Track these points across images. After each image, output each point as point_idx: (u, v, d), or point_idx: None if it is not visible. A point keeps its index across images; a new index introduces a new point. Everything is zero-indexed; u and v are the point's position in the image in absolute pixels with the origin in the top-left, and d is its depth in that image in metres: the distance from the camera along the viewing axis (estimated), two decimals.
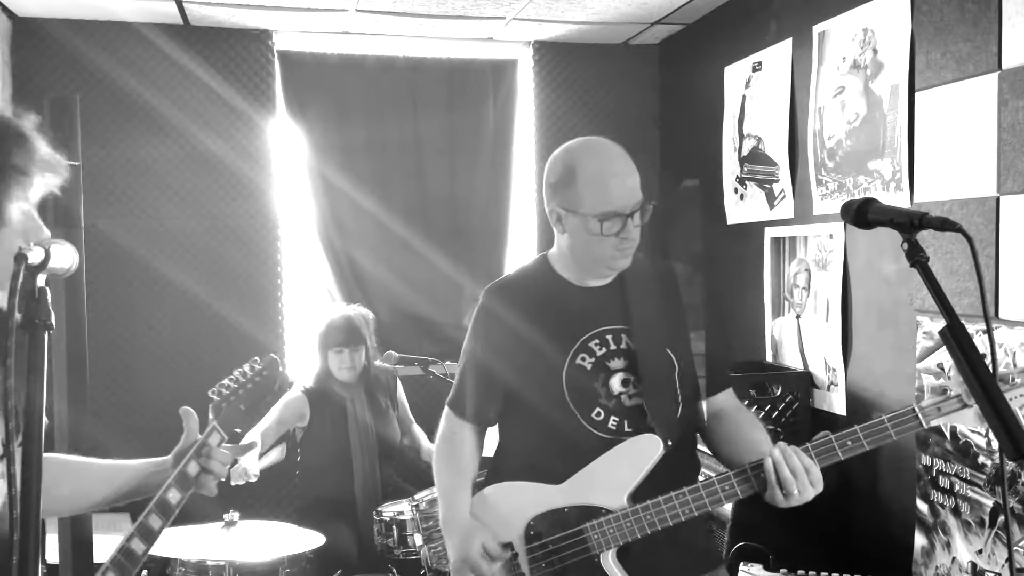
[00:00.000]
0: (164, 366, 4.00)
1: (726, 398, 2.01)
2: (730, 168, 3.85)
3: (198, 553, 2.74)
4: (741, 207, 3.78)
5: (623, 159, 1.86)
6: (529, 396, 1.91)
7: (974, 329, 2.37)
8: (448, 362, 4.19)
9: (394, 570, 3.17)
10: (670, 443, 1.80)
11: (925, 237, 1.58)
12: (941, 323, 1.28)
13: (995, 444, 2.30)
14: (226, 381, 1.73)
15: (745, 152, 3.73)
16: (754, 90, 3.66)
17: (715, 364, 2.02)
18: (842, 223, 3.02)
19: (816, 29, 3.21)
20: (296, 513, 3.48)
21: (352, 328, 3.52)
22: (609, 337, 1.89)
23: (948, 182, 2.62)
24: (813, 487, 1.67)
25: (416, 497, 3.13)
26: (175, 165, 4.02)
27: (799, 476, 1.66)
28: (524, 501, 1.87)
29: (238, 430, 1.67)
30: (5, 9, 3.72)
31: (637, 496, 1.78)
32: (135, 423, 3.85)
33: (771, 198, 3.56)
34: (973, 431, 2.50)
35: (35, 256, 1.09)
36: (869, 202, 1.44)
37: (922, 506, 2.73)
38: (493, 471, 2.01)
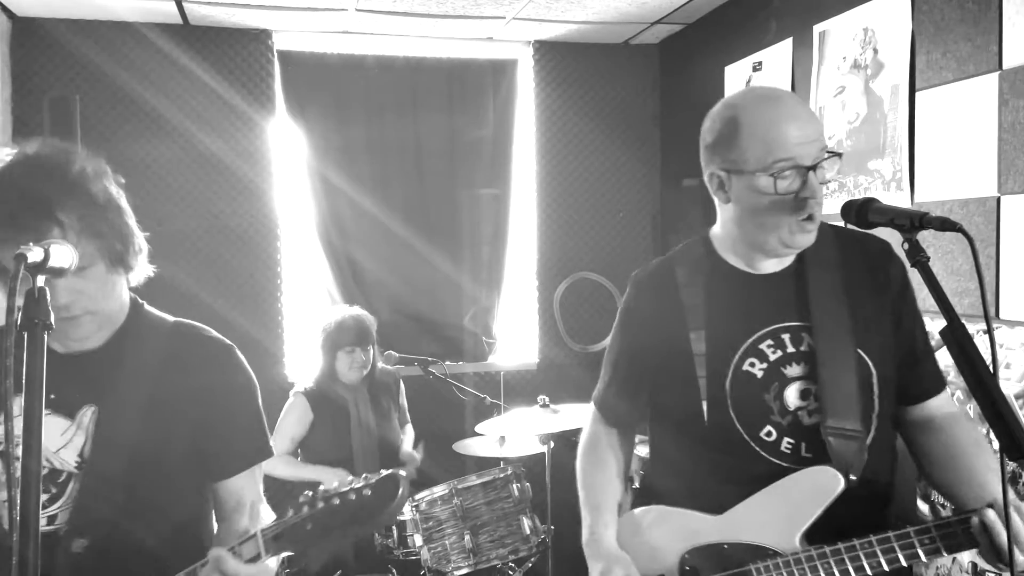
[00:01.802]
0: None
1: (939, 404, 1.61)
2: None
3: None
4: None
5: (798, 103, 1.53)
6: (684, 408, 1.58)
7: (974, 329, 2.37)
8: (448, 362, 4.21)
9: (394, 570, 3.17)
10: (853, 478, 1.47)
11: (925, 237, 1.58)
12: (941, 323, 1.28)
13: (995, 444, 2.30)
14: (316, 492, 1.30)
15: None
16: None
17: (923, 359, 1.61)
18: (843, 223, 3.02)
19: (816, 29, 3.21)
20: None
21: (363, 328, 3.53)
22: (786, 337, 1.55)
23: (948, 182, 2.62)
24: None
25: (416, 498, 3.13)
26: (175, 165, 4.02)
27: None
28: (679, 531, 1.60)
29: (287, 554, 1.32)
30: (5, 9, 3.72)
31: (811, 537, 1.48)
32: None
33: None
34: None
35: (35, 256, 1.09)
36: (870, 202, 1.43)
37: (923, 506, 2.72)
38: (645, 487, 1.77)
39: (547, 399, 3.42)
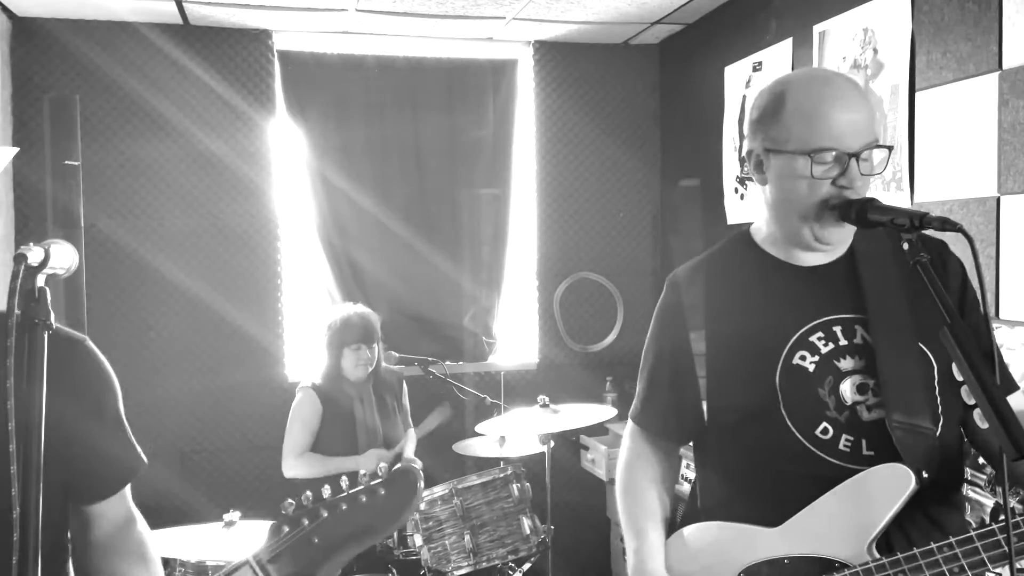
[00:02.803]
0: (163, 366, 3.99)
1: (1014, 402, 1.38)
2: (730, 168, 3.84)
3: (198, 553, 2.74)
4: (741, 207, 3.78)
5: (852, 87, 1.43)
6: (731, 408, 1.50)
7: None
8: (448, 362, 4.21)
9: (394, 570, 3.17)
10: (925, 475, 1.34)
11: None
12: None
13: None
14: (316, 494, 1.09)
15: (745, 152, 3.73)
16: (754, 90, 3.66)
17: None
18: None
19: (816, 29, 3.21)
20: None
21: (369, 326, 3.53)
22: (837, 329, 1.46)
23: (948, 182, 2.62)
24: None
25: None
26: (175, 165, 4.02)
27: None
28: (734, 548, 1.45)
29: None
30: (5, 9, 3.72)
31: (881, 546, 1.36)
32: (134, 423, 3.84)
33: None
34: None
35: (35, 256, 1.09)
36: (869, 202, 1.41)
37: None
38: (691, 505, 1.63)
39: (547, 399, 3.42)
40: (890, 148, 1.43)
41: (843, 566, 1.36)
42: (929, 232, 1.32)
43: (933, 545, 1.31)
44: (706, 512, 1.56)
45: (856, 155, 1.39)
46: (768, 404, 1.45)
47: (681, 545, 1.54)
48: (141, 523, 1.45)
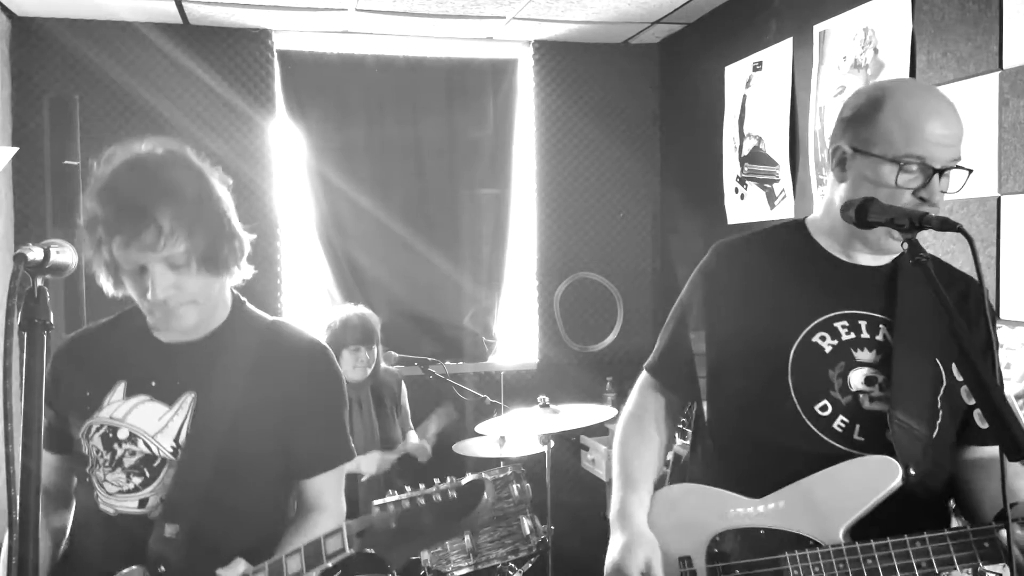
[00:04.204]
0: None
1: (995, 453, 1.43)
2: (730, 168, 3.84)
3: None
4: (742, 207, 3.78)
5: (949, 105, 1.45)
6: (743, 371, 1.54)
7: None
8: (448, 362, 4.21)
9: (394, 570, 3.17)
10: (912, 472, 1.38)
11: (925, 237, 1.58)
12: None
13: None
14: (402, 494, 1.27)
15: (746, 152, 3.73)
16: (754, 90, 3.66)
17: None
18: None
19: (817, 28, 3.21)
20: None
21: (369, 327, 3.53)
22: (863, 323, 1.50)
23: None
24: None
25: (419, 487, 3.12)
26: None
27: None
28: (714, 511, 1.50)
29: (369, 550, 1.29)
30: (5, 9, 3.72)
31: (856, 532, 1.39)
32: None
33: (772, 198, 3.56)
34: None
35: (35, 256, 1.09)
36: (870, 201, 1.42)
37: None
38: (681, 466, 1.72)
39: (547, 399, 3.42)
40: (970, 171, 1.43)
41: (815, 544, 1.39)
42: (930, 233, 1.32)
43: (906, 537, 1.32)
44: (693, 475, 1.62)
45: (941, 171, 1.40)
46: (777, 372, 1.49)
47: (664, 501, 1.59)
48: (336, 514, 1.65)
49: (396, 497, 1.26)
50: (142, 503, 1.54)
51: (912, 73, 2.74)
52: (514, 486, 3.14)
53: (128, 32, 3.91)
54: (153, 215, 1.42)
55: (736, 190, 3.81)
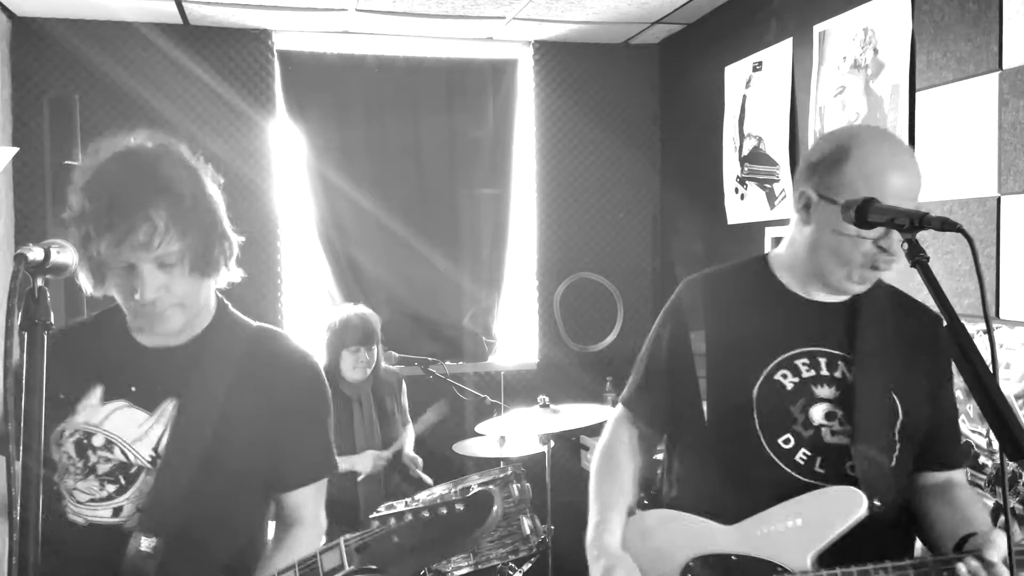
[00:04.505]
0: None
1: (949, 476, 1.62)
2: (730, 168, 3.84)
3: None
4: (742, 207, 3.78)
5: (910, 157, 1.52)
6: (710, 406, 1.60)
7: (974, 329, 2.37)
8: (448, 362, 4.21)
9: None
10: (877, 504, 1.46)
11: (925, 237, 1.58)
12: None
13: (995, 444, 2.30)
14: (403, 505, 1.27)
15: (746, 152, 3.73)
16: (754, 90, 3.66)
17: (944, 431, 1.62)
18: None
19: (816, 29, 3.21)
20: None
21: (369, 327, 3.53)
22: (822, 360, 1.57)
23: (949, 182, 2.62)
24: None
25: (416, 498, 3.13)
26: None
27: None
28: (687, 537, 1.57)
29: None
30: (5, 9, 3.72)
31: (824, 560, 1.45)
32: None
33: (772, 198, 3.56)
34: (974, 431, 2.50)
35: (35, 256, 1.09)
36: (869, 202, 1.42)
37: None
38: (656, 491, 1.77)
39: (547, 399, 3.42)
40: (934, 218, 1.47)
41: (784, 571, 1.45)
42: (930, 233, 1.32)
43: (870, 566, 1.40)
44: (669, 501, 1.68)
45: None
46: (742, 410, 1.55)
47: (639, 526, 1.64)
48: (315, 527, 1.61)
49: (398, 510, 1.20)
50: (116, 511, 1.48)
51: (912, 73, 2.74)
52: (514, 486, 3.14)
53: (128, 32, 3.91)
54: (147, 212, 1.38)
55: (736, 190, 3.81)
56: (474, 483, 3.16)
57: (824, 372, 1.56)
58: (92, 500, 1.48)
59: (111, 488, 1.48)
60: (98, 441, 1.49)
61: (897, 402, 1.55)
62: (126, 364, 1.53)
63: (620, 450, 1.75)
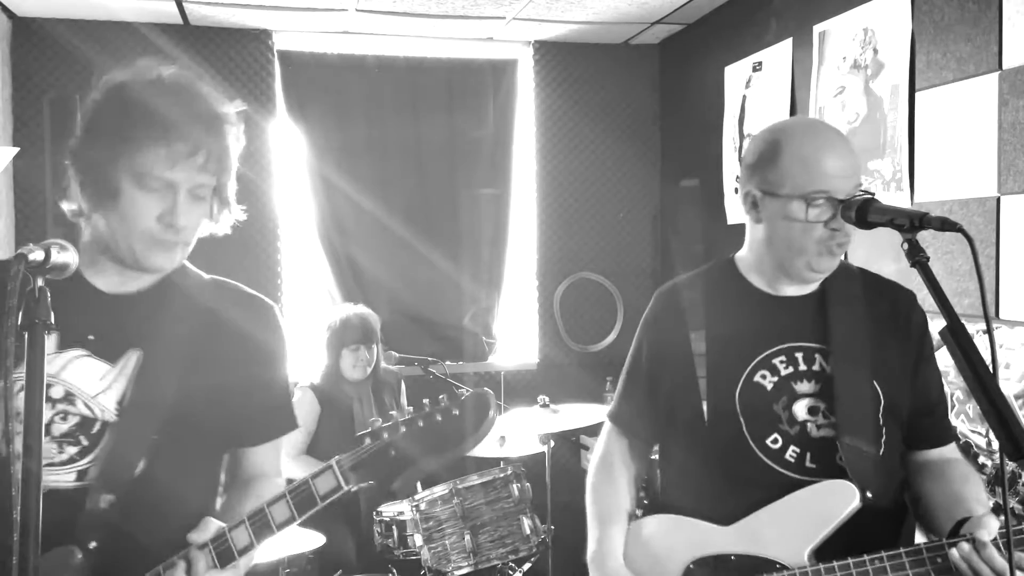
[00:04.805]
0: None
1: (941, 452, 1.64)
2: (730, 168, 3.84)
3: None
4: (742, 207, 3.77)
5: (841, 138, 1.56)
6: (694, 414, 1.61)
7: (974, 329, 2.37)
8: (448, 362, 4.20)
9: (394, 570, 3.17)
10: (869, 495, 1.47)
11: (925, 237, 1.58)
12: (941, 323, 1.28)
13: (995, 444, 2.30)
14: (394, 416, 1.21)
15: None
16: (754, 90, 3.66)
17: (930, 408, 1.62)
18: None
19: (816, 29, 3.21)
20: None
21: (368, 326, 3.54)
22: (799, 355, 1.59)
23: (948, 182, 2.62)
24: None
25: (416, 497, 3.13)
26: None
27: None
28: (684, 540, 1.58)
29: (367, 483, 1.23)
30: (5, 9, 3.72)
31: (821, 553, 1.47)
32: None
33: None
34: (973, 431, 2.50)
35: (35, 256, 1.09)
36: (869, 202, 1.43)
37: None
38: (653, 498, 1.81)
39: (547, 399, 3.42)
40: (872, 195, 1.49)
41: (783, 568, 1.48)
42: (930, 233, 1.33)
43: (865, 557, 1.41)
44: (665, 507, 1.68)
45: (844, 201, 1.49)
46: (727, 414, 1.57)
47: (638, 534, 1.66)
48: (282, 482, 1.56)
49: (390, 422, 1.16)
50: (81, 475, 1.37)
51: (912, 73, 2.74)
52: (514, 486, 3.14)
53: (128, 32, 3.91)
54: (204, 137, 1.35)
55: (736, 190, 3.81)
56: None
57: (802, 367, 1.58)
58: (51, 465, 1.35)
59: (72, 450, 1.37)
60: (56, 393, 1.37)
61: (878, 387, 1.56)
62: (82, 310, 1.41)
63: (613, 461, 1.78)
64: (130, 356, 1.42)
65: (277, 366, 1.58)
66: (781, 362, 1.59)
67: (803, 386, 1.57)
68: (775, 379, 1.58)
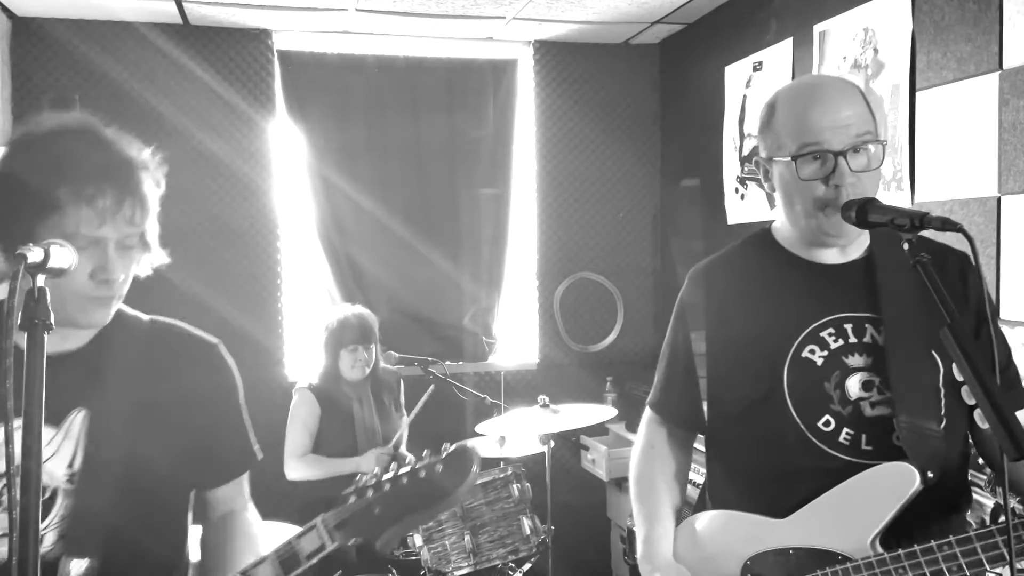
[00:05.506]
0: None
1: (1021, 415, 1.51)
2: (730, 168, 3.84)
3: (198, 553, 2.73)
4: (742, 207, 3.78)
5: (836, 88, 1.47)
6: (739, 398, 1.53)
7: None
8: (448, 362, 4.21)
9: (394, 570, 3.17)
10: (931, 475, 1.37)
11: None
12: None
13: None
14: (375, 475, 1.19)
15: (746, 152, 3.73)
16: (755, 90, 3.66)
17: (1004, 370, 1.48)
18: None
19: (817, 28, 3.21)
20: (297, 513, 3.47)
21: (367, 326, 3.54)
22: (848, 327, 1.48)
23: (949, 182, 2.62)
24: None
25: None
26: (175, 165, 4.00)
27: None
28: (739, 537, 1.49)
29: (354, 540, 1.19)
30: (5, 9, 3.72)
31: (885, 541, 1.39)
32: None
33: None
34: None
35: (34, 256, 1.08)
36: (870, 202, 1.42)
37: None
38: (701, 494, 1.70)
39: (547, 399, 3.42)
40: (883, 142, 1.44)
41: (845, 559, 1.39)
42: (930, 233, 1.32)
43: (933, 543, 1.33)
44: (714, 500, 1.60)
45: (842, 153, 1.41)
46: (774, 394, 1.47)
47: (690, 533, 1.57)
48: (252, 511, 1.60)
49: (374, 480, 1.16)
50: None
51: (912, 73, 2.74)
52: (514, 486, 3.14)
53: (128, 32, 3.91)
54: (125, 187, 1.31)
55: (736, 190, 3.81)
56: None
57: (853, 339, 1.47)
58: (3, 535, 1.29)
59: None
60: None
61: (936, 356, 1.45)
62: (19, 376, 1.33)
63: (655, 454, 1.70)
64: (75, 416, 1.38)
65: (228, 405, 1.55)
66: (830, 335, 1.48)
67: (855, 359, 1.47)
68: (824, 354, 1.47)
